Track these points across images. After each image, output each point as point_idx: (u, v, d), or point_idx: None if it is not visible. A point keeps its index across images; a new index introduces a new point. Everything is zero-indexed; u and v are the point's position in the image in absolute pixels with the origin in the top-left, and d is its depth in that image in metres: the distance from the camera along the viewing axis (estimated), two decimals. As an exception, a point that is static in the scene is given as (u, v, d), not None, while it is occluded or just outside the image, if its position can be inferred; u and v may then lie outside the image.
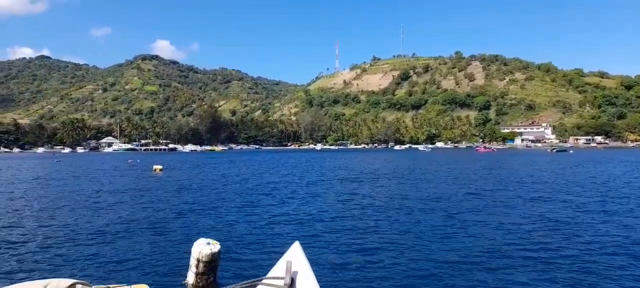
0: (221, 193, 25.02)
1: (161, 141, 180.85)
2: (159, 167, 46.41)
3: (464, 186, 27.97)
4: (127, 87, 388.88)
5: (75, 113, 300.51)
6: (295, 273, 4.20)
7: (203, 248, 7.96)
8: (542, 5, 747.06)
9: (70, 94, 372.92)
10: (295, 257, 4.69)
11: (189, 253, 8.31)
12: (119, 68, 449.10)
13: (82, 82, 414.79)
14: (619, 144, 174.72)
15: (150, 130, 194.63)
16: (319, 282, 4.22)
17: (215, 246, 8.16)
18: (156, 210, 18.72)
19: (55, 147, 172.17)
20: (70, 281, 2.47)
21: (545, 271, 9.54)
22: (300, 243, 5.24)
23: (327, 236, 13.31)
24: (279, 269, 4.64)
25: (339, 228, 14.50)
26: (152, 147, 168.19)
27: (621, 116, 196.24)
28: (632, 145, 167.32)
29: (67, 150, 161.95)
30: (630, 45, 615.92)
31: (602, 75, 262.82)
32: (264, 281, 4.27)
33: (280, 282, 4.13)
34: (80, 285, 2.48)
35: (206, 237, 8.64)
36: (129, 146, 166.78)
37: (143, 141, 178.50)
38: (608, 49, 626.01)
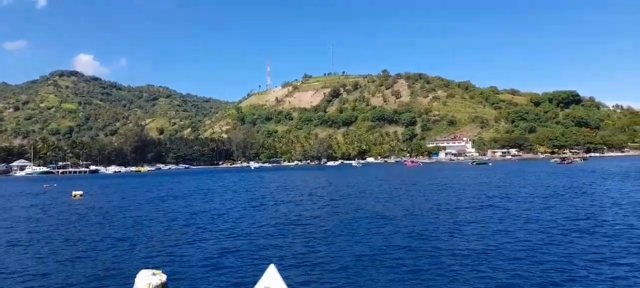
0: (153, 219, 24.04)
1: (81, 163, 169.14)
2: (79, 192, 43.53)
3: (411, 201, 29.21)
4: (42, 105, 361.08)
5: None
6: None
7: (151, 279, 7.46)
8: (458, 29, 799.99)
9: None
10: (273, 281, 4.67)
11: (131, 286, 7.84)
12: (33, 85, 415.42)
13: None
14: (531, 155, 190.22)
15: (69, 151, 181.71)
16: None
17: (162, 276, 7.71)
18: (81, 243, 17.49)
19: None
20: None
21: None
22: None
23: (285, 257, 13.26)
24: None
25: (299, 250, 14.50)
26: (70, 169, 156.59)
27: (532, 130, 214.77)
28: (542, 156, 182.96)
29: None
30: (537, 63, 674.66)
31: (514, 92, 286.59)
32: None
33: None
34: None
35: (147, 268, 8.20)
36: (45, 169, 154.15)
37: (60, 163, 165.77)
38: (519, 67, 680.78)
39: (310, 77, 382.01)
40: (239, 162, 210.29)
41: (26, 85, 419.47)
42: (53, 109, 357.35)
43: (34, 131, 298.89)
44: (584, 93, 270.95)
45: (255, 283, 6.57)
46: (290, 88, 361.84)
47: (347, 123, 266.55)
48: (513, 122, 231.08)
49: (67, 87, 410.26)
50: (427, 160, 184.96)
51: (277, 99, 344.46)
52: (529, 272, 11.42)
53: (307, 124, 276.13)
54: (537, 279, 10.77)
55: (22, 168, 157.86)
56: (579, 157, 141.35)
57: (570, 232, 16.53)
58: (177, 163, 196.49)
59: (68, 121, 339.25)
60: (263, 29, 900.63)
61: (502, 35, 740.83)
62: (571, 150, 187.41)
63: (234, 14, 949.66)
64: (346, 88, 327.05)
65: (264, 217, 23.69)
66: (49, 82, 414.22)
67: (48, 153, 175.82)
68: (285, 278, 7.28)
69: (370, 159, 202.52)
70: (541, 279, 10.78)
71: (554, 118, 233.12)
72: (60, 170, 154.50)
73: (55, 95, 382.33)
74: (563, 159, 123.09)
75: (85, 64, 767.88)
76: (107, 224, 22.78)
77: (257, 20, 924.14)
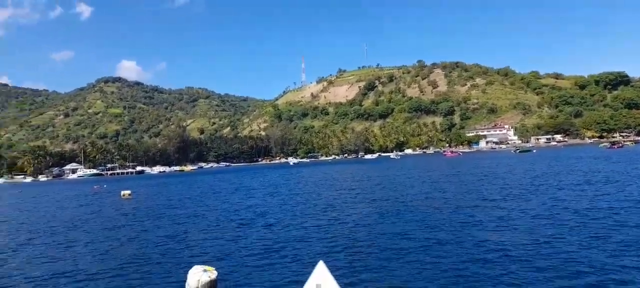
0: (199, 216, 24.63)
1: (128, 164, 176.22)
2: (128, 192, 45.26)
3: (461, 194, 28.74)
4: (90, 111, 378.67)
5: (36, 140, 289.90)
6: None
7: (201, 276, 7.57)
8: (496, 12, 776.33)
9: (30, 121, 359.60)
10: (323, 278, 4.68)
11: (183, 283, 8.02)
12: (80, 92, 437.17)
13: (42, 108, 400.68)
14: (577, 141, 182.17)
15: (116, 153, 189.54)
16: None
17: (212, 272, 7.83)
18: (133, 240, 18.12)
19: (15, 176, 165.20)
20: None
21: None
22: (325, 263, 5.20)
23: (335, 254, 13.41)
24: None
25: (343, 244, 14.55)
26: (118, 171, 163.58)
27: (577, 114, 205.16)
28: (589, 141, 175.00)
29: (28, 179, 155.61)
30: (582, 46, 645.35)
31: (557, 76, 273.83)
32: None
33: None
34: None
35: (197, 264, 8.39)
36: (95, 171, 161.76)
37: (109, 165, 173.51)
38: (561, 51, 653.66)
39: (344, 71, 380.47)
40: (278, 158, 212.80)
41: (74, 93, 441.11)
42: (100, 114, 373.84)
43: (83, 136, 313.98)
44: (633, 73, 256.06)
45: (302, 279, 6.57)
46: (325, 83, 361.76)
47: (383, 115, 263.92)
48: (557, 107, 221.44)
49: (112, 92, 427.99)
50: (467, 150, 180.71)
51: (312, 94, 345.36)
52: (588, 266, 10.94)
53: (343, 118, 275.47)
54: (594, 277, 10.27)
55: (73, 171, 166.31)
56: (630, 141, 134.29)
57: (628, 223, 15.62)
58: (218, 162, 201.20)
59: (114, 125, 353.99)
60: (295, 26, 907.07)
61: (541, 19, 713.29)
62: (621, 134, 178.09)
63: (266, 13, 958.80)
64: (381, 80, 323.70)
65: (307, 212, 23.79)
66: (95, 88, 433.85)
67: (97, 156, 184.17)
68: (332, 274, 7.29)
69: (408, 151, 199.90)
70: (599, 277, 10.25)
71: (601, 101, 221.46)
72: (109, 172, 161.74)
73: (102, 101, 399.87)
74: (613, 143, 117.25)
75: (128, 69, 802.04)
76: (156, 221, 23.57)
77: (289, 18, 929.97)
